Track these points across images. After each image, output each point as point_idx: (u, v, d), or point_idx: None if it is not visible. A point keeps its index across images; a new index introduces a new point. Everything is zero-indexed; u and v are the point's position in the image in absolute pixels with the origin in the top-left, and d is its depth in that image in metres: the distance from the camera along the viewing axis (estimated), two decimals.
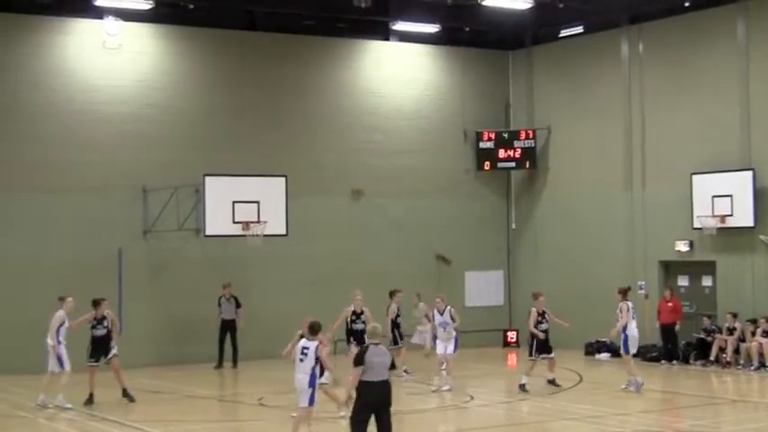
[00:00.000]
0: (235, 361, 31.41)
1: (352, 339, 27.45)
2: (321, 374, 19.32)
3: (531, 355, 26.36)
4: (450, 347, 26.30)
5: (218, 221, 29.49)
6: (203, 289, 31.54)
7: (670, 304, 31.23)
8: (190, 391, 26.73)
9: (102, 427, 21.36)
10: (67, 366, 23.66)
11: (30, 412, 23.59)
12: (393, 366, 16.53)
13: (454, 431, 21.13)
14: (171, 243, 32.04)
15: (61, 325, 23.77)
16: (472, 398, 25.27)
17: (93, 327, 24.34)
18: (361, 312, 27.57)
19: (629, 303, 26.39)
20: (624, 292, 26.56)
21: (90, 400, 23.85)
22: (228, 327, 31.43)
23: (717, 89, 31.84)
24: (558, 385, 26.26)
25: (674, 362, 30.87)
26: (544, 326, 26.46)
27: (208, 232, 29.85)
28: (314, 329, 18.86)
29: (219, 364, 31.17)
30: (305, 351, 18.58)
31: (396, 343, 28.10)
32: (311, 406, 18.61)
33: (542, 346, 26.32)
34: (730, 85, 31.48)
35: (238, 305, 31.50)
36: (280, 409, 24.07)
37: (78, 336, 24.41)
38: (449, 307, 26.53)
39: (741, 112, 31.23)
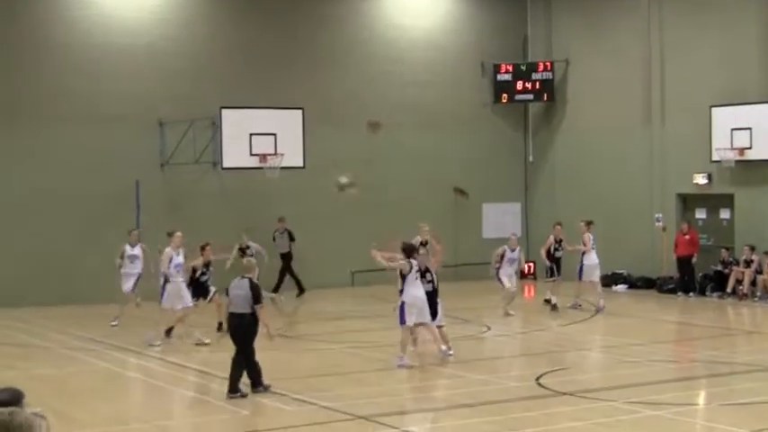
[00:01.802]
0: (301, 289, 31.82)
1: None
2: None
3: (550, 276, 28.83)
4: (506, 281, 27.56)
5: (235, 154, 29.52)
6: (220, 221, 31.62)
7: (687, 237, 31.24)
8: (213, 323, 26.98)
9: (123, 357, 21.55)
10: (189, 302, 23.13)
11: (52, 343, 23.81)
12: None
13: (473, 360, 21.24)
14: (188, 176, 32.12)
15: (170, 261, 23.09)
16: (489, 328, 25.41)
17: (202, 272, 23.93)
18: (426, 243, 27.29)
19: (591, 235, 28.47)
20: (588, 224, 28.66)
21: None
22: (284, 259, 31.78)
23: (736, 22, 31.61)
24: (555, 309, 28.04)
25: (691, 294, 30.95)
26: (559, 253, 28.82)
27: (225, 165, 29.91)
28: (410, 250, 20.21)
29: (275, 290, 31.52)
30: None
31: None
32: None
33: (556, 269, 28.67)
34: (749, 18, 31.25)
35: (292, 239, 31.73)
36: (295, 340, 24.26)
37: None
38: (519, 247, 28.27)
39: (760, 44, 31.03)
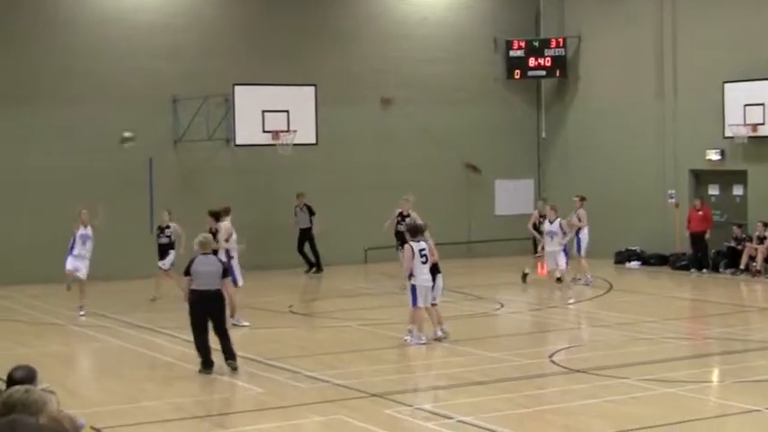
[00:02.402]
0: (319, 266, 31.89)
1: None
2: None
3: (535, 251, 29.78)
4: (561, 260, 26.45)
5: (247, 131, 29.51)
6: (233, 198, 31.48)
7: (700, 213, 31.14)
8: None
9: (135, 334, 21.61)
10: (240, 282, 22.95)
11: (62, 319, 23.85)
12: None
13: (486, 337, 21.26)
14: (201, 153, 32.12)
15: (230, 236, 22.95)
16: (502, 305, 25.41)
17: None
18: (407, 215, 27.57)
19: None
20: (582, 199, 29.10)
21: None
22: (305, 235, 31.84)
23: None
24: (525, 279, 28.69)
25: (704, 270, 30.87)
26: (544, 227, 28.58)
27: (238, 142, 29.90)
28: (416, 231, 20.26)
29: (309, 269, 31.86)
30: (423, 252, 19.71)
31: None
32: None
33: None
34: None
35: (312, 213, 31.79)
36: (308, 317, 24.30)
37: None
38: (559, 218, 26.82)
39: None
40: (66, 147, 30.56)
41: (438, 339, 20.16)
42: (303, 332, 22.56)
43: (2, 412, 6.28)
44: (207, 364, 17.64)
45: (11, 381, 7.49)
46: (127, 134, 24.90)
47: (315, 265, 32.06)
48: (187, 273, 17.83)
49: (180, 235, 25.83)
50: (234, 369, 17.63)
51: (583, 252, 28.71)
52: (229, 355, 17.74)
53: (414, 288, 19.87)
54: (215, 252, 19.33)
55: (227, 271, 18.02)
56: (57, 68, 30.63)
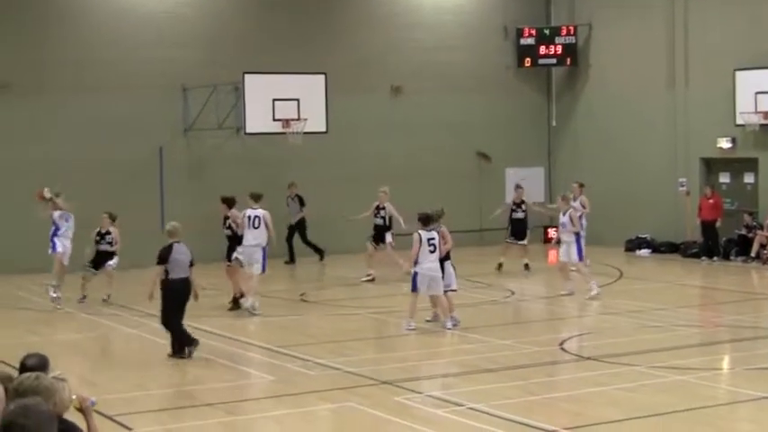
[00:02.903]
0: (320, 253, 31.87)
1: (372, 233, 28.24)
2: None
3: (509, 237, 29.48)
4: (573, 253, 24.83)
5: (258, 119, 29.51)
6: (244, 187, 31.46)
7: (711, 201, 31.09)
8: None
9: (146, 322, 21.66)
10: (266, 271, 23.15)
11: (75, 308, 23.91)
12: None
13: (496, 324, 21.27)
14: (211, 141, 32.14)
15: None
16: (513, 293, 25.40)
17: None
18: (383, 207, 27.86)
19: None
20: (581, 186, 28.98)
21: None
22: (296, 225, 31.72)
23: None
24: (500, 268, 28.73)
25: (715, 258, 30.83)
26: (518, 214, 29.57)
27: (248, 130, 29.89)
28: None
29: (290, 260, 31.56)
30: None
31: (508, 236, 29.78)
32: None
33: (515, 232, 29.37)
34: None
35: (302, 203, 31.70)
36: (318, 305, 24.33)
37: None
38: (571, 210, 25.22)
39: None
40: (77, 136, 30.59)
41: (449, 328, 20.21)
42: (314, 320, 22.58)
43: (13, 398, 6.32)
44: (192, 342, 17.96)
45: (23, 368, 7.54)
46: (47, 194, 24.35)
47: (318, 255, 32.00)
48: (165, 261, 17.90)
49: (119, 241, 25.10)
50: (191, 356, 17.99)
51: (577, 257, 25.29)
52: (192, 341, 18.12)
53: (415, 275, 20.07)
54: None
55: (193, 259, 18.29)
56: (66, 59, 30.62)
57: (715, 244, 31.06)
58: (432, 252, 19.95)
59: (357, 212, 29.01)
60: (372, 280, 27.41)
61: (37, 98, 30.29)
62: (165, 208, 30.47)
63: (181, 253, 18.00)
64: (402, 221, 26.92)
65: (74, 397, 6.97)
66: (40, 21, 30.48)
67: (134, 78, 31.26)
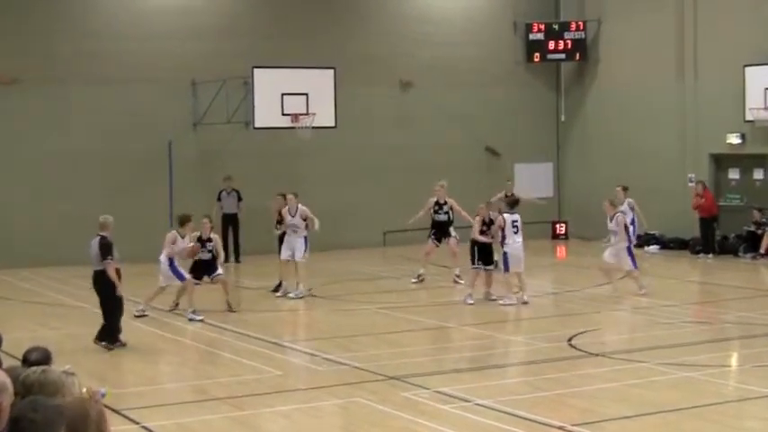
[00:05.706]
0: (237, 255, 31.10)
1: (433, 231, 26.14)
2: None
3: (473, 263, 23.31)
4: (624, 259, 24.25)
5: (267, 114, 29.51)
6: (252, 181, 31.66)
7: (702, 199, 31.04)
8: (245, 282, 27.13)
9: (156, 317, 21.65)
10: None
11: (86, 302, 23.92)
12: None
13: (504, 320, 21.28)
14: (220, 136, 32.14)
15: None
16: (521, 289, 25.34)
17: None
18: (444, 203, 26.21)
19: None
20: (626, 189, 28.50)
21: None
22: (230, 221, 31.18)
23: None
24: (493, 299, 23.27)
25: (710, 255, 30.78)
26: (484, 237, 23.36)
27: (257, 125, 29.90)
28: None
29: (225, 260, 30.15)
30: None
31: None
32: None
33: (483, 256, 23.22)
34: None
35: (240, 199, 31.40)
36: (327, 300, 24.33)
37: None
38: (618, 214, 24.46)
39: None
40: (86, 129, 30.65)
41: (525, 301, 22.51)
42: (321, 315, 22.60)
43: (20, 393, 6.31)
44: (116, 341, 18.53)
45: (26, 363, 7.53)
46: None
47: (234, 255, 30.88)
48: (111, 254, 18.50)
49: (221, 253, 24.64)
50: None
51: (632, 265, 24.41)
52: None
53: (506, 255, 22.34)
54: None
55: (105, 253, 18.68)
56: (76, 51, 30.66)
57: (711, 240, 31.08)
58: (515, 233, 22.32)
59: (364, 206, 28.91)
60: (422, 281, 25.91)
61: (46, 92, 30.34)
62: (173, 201, 30.47)
63: (89, 246, 18.76)
64: (470, 219, 24.54)
65: (84, 390, 6.97)
66: (50, 14, 30.52)
67: (143, 72, 31.29)
